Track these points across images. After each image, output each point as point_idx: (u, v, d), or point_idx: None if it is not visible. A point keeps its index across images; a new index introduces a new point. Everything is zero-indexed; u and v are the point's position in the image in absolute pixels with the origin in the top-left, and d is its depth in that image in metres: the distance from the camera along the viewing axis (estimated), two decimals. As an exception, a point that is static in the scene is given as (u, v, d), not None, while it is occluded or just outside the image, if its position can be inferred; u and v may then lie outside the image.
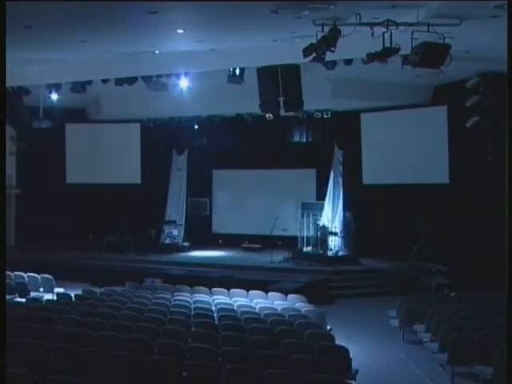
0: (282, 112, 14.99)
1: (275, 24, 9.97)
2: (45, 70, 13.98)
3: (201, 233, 21.14)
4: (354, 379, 7.55)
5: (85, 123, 20.52)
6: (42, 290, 13.49)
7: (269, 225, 18.88)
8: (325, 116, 18.64)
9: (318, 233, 18.00)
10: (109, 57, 12.92)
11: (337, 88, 16.04)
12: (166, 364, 6.94)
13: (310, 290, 14.46)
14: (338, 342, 8.34)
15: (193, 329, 8.86)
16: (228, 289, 12.74)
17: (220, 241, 21.28)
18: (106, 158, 20.52)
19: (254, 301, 11.28)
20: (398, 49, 9.46)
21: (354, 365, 7.76)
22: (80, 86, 15.30)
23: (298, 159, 20.04)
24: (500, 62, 10.89)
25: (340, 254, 17.64)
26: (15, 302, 11.88)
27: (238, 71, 14.11)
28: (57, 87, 15.87)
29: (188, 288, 12.89)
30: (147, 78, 14.45)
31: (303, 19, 9.33)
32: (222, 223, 21.84)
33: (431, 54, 9.16)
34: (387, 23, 9.24)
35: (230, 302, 11.13)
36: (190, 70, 13.89)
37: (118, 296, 11.75)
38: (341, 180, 19.20)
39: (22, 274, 13.90)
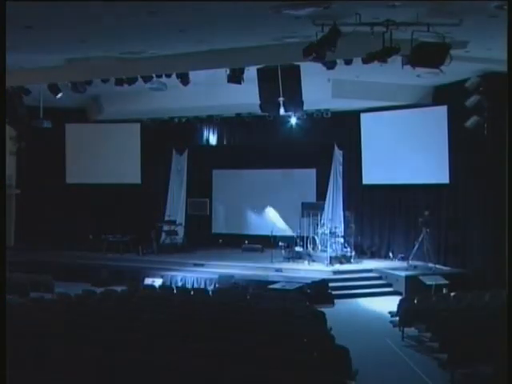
0: (282, 112, 14.99)
1: (275, 24, 9.98)
2: (45, 69, 13.98)
3: (201, 233, 21.14)
4: (354, 379, 7.53)
5: (85, 123, 20.49)
6: (42, 289, 13.49)
7: (269, 225, 18.88)
8: (325, 116, 18.64)
9: (318, 233, 18.01)
10: (109, 57, 12.93)
11: (337, 88, 16.02)
12: (165, 364, 6.93)
13: (310, 290, 14.50)
14: (338, 342, 8.33)
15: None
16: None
17: (220, 241, 21.27)
18: (106, 157, 20.49)
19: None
20: (398, 49, 9.46)
21: (354, 365, 7.74)
22: (80, 86, 15.29)
23: (297, 159, 20.04)
24: (500, 62, 10.93)
25: (340, 254, 17.61)
26: (15, 302, 11.86)
27: (238, 71, 14.09)
28: (57, 87, 15.85)
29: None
30: (147, 78, 14.45)
31: (303, 19, 9.34)
32: (221, 223, 21.83)
33: (431, 54, 9.16)
34: (387, 23, 9.25)
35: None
36: (190, 70, 13.87)
37: (118, 296, 11.75)
38: (341, 180, 19.23)
39: (21, 274, 13.89)
